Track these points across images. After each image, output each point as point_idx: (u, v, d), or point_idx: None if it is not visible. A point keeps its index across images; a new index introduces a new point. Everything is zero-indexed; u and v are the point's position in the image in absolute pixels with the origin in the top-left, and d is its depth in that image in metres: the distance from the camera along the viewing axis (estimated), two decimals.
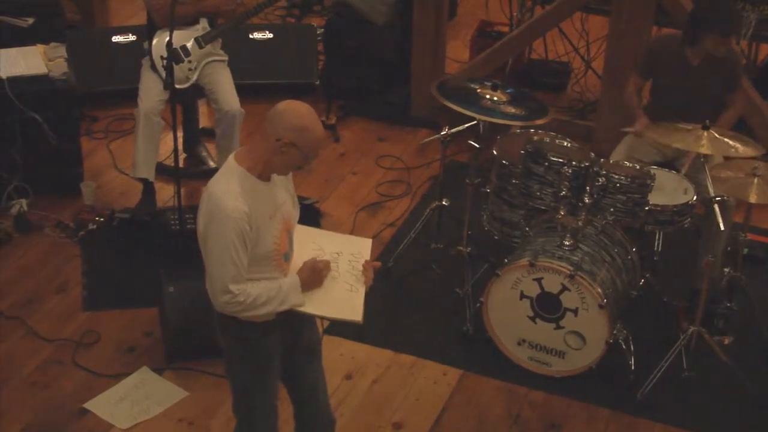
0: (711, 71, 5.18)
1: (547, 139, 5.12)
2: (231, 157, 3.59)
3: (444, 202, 5.47)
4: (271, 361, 3.78)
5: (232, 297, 3.52)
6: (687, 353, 4.84)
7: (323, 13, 8.02)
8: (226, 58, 5.83)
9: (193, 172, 6.27)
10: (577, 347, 4.84)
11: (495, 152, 5.24)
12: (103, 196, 6.04)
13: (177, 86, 5.56)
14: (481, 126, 5.12)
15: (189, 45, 5.67)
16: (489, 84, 5.16)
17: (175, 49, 5.57)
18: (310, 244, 3.78)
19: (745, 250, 5.08)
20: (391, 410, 4.77)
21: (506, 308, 4.90)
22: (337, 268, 3.75)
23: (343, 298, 3.70)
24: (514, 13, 7.17)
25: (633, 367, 4.86)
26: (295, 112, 3.52)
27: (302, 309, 3.66)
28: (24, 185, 5.82)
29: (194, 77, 5.71)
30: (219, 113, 5.78)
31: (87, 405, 4.70)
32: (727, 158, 5.01)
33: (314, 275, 3.65)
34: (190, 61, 5.67)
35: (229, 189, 3.49)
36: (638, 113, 5.31)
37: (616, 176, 4.84)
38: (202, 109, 6.61)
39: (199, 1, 5.67)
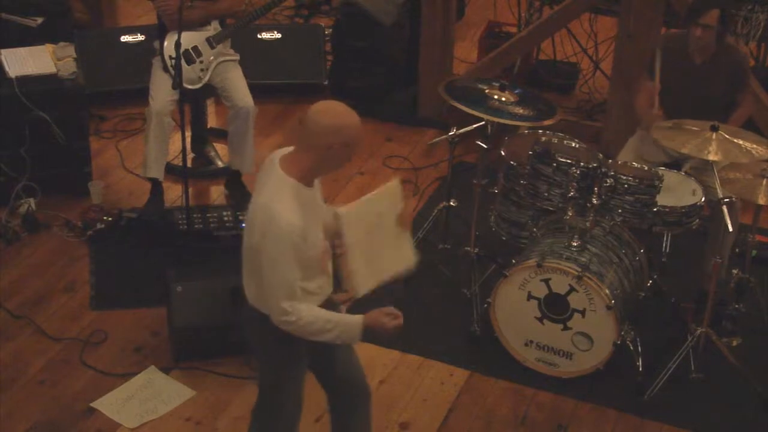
0: (715, 70, 5.17)
1: (555, 140, 5.11)
2: (279, 169, 3.57)
3: (452, 203, 5.47)
4: (303, 358, 3.81)
5: (286, 315, 3.55)
6: (695, 355, 4.84)
7: (331, 13, 8.02)
8: (237, 57, 5.84)
9: (201, 172, 6.29)
10: (585, 348, 4.84)
11: (503, 153, 5.24)
12: (111, 196, 6.05)
13: (189, 87, 5.59)
14: (489, 126, 5.12)
15: (200, 46, 5.68)
16: (497, 84, 5.15)
17: (187, 50, 5.60)
18: (359, 225, 3.76)
19: (754, 252, 5.07)
20: (397, 411, 4.77)
21: (514, 309, 4.89)
22: (382, 226, 3.76)
23: (394, 254, 3.78)
24: (523, 14, 7.17)
25: (640, 369, 4.85)
26: (330, 114, 3.54)
27: (363, 293, 3.71)
28: (32, 184, 5.83)
29: (206, 78, 5.72)
30: (233, 110, 5.78)
31: (94, 404, 4.71)
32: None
33: (381, 329, 3.65)
34: (201, 62, 5.69)
35: (283, 202, 3.50)
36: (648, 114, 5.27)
37: (624, 177, 4.83)
38: (211, 108, 6.62)
39: (210, 4, 5.68)
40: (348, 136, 3.52)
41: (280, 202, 3.50)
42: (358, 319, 3.63)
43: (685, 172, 5.14)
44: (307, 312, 3.57)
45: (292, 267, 3.51)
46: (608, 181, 4.83)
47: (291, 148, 3.64)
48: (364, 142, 3.65)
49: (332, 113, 3.54)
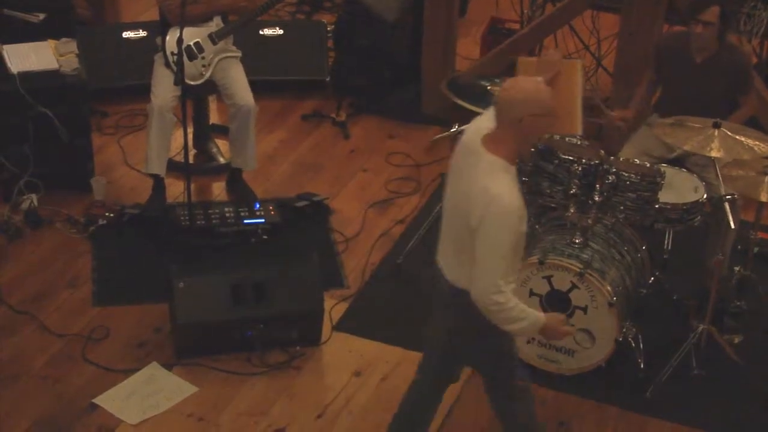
0: (715, 70, 5.16)
1: (557, 137, 5.11)
2: (486, 152, 3.64)
3: None
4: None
5: (497, 293, 3.60)
6: (697, 352, 4.84)
7: (334, 9, 8.02)
8: (239, 54, 5.84)
9: (203, 168, 6.29)
10: (587, 345, 4.84)
11: None
12: (113, 192, 6.05)
13: (191, 82, 5.59)
14: None
15: (202, 42, 5.68)
16: (499, 81, 5.15)
17: (189, 45, 5.60)
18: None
19: (756, 249, 5.07)
20: None
21: None
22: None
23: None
24: (525, 11, 7.16)
25: (642, 366, 4.85)
26: (517, 89, 3.61)
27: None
28: (35, 180, 5.84)
29: (208, 74, 5.72)
30: (233, 108, 5.78)
31: (97, 400, 4.72)
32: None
33: (554, 333, 3.85)
34: (203, 58, 5.69)
35: (504, 184, 3.59)
36: (626, 108, 5.35)
37: (626, 174, 4.83)
38: (213, 105, 6.62)
39: (213, 0, 5.68)
40: (540, 107, 3.59)
41: (499, 184, 3.58)
42: (542, 316, 3.75)
43: (686, 168, 5.14)
44: (512, 296, 3.64)
45: (510, 247, 3.60)
46: (610, 178, 4.83)
47: (481, 131, 3.69)
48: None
49: (519, 88, 3.61)
